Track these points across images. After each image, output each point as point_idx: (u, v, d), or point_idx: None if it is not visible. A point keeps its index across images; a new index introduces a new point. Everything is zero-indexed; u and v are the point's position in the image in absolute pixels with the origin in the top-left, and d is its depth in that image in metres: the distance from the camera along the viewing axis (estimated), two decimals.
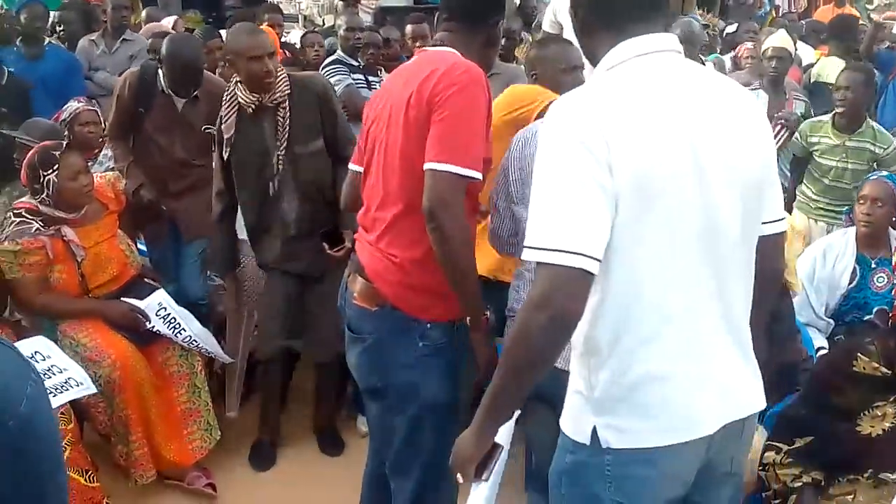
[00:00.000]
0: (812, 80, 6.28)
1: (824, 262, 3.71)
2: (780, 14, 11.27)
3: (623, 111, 1.63)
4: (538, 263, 1.59)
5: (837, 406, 2.50)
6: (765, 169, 1.79)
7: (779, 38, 5.19)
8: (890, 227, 3.75)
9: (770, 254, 1.88)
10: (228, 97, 3.43)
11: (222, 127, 3.45)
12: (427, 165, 2.17)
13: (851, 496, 2.52)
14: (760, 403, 1.86)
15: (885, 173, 3.92)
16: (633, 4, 1.73)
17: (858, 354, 2.45)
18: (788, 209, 4.51)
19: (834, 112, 4.59)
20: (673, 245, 1.65)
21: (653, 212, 1.62)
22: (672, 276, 1.67)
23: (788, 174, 4.89)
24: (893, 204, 3.67)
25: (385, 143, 2.34)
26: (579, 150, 1.59)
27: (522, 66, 5.95)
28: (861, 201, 3.73)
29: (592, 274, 1.58)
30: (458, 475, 1.85)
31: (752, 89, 5.01)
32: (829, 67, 6.07)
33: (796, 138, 4.74)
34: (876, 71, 5.12)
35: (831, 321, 3.68)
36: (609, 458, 1.71)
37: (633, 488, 1.72)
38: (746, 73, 5.62)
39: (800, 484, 2.55)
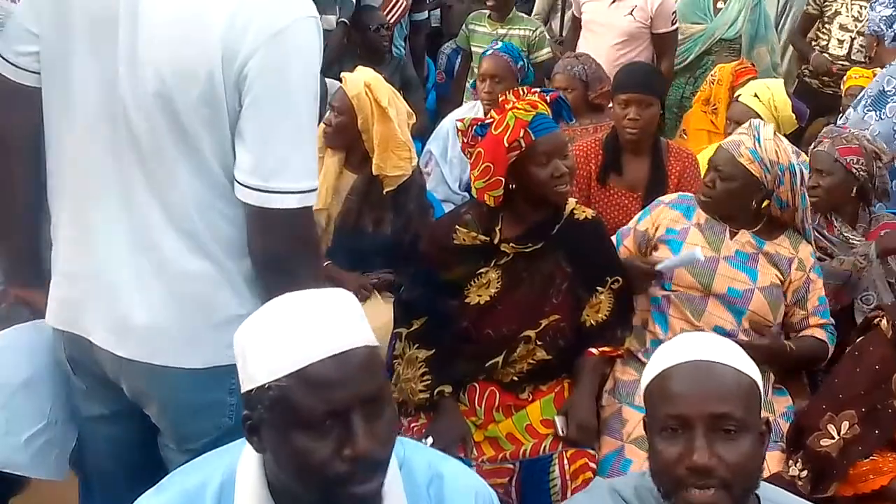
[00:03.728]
0: None
1: (457, 140, 3.77)
2: None
3: None
4: None
5: (446, 282, 2.50)
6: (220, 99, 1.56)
7: None
8: None
9: (250, 228, 1.59)
10: None
11: None
12: None
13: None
14: (149, 354, 1.68)
15: (500, 45, 3.92)
16: None
17: (457, 227, 2.46)
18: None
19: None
20: (71, 135, 1.61)
21: (55, 87, 1.58)
22: (73, 168, 1.63)
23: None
24: (513, 77, 3.70)
25: None
26: None
27: None
28: (481, 79, 3.77)
29: None
30: None
31: None
32: None
33: (463, 29, 4.74)
34: None
35: (466, 194, 3.79)
36: None
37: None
38: None
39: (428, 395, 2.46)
